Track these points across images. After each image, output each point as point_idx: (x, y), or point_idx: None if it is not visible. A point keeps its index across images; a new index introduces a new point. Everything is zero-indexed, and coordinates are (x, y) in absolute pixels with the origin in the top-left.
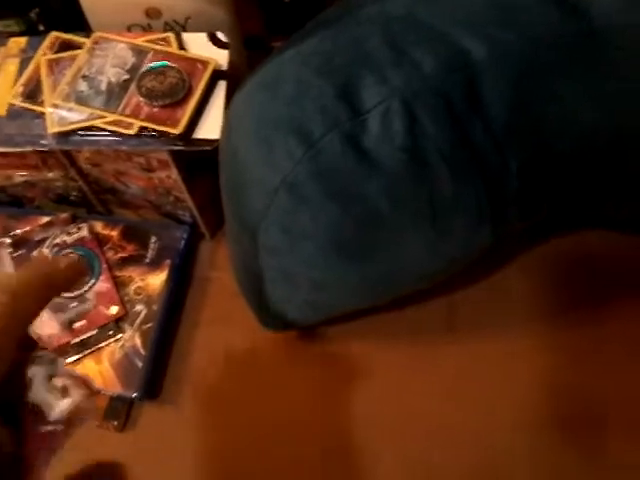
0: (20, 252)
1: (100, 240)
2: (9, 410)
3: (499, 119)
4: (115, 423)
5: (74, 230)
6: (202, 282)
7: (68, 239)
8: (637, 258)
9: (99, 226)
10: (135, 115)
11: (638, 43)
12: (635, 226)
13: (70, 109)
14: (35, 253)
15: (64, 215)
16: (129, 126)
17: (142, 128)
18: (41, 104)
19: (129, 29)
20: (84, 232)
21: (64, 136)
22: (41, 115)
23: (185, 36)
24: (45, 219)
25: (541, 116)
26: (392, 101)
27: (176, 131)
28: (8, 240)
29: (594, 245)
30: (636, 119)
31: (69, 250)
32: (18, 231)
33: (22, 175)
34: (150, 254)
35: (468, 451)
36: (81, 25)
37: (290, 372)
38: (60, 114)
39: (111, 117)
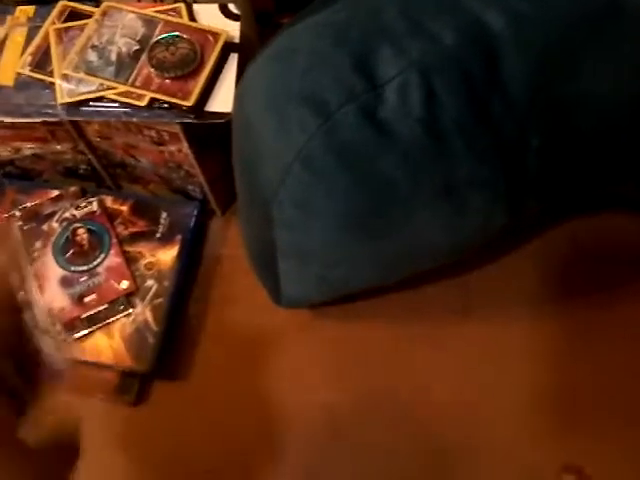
0: (29, 225)
1: (110, 215)
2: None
3: (519, 93)
4: (126, 397)
5: (84, 204)
6: (213, 259)
7: (77, 213)
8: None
9: (109, 201)
10: (146, 86)
11: None
12: None
13: (80, 80)
14: (45, 227)
15: (73, 189)
16: (140, 97)
17: (153, 100)
18: (50, 74)
19: None
20: (94, 206)
21: (74, 107)
22: (50, 85)
23: (196, 7)
24: (54, 193)
25: (562, 91)
26: (410, 73)
27: (188, 103)
28: (17, 213)
29: (609, 229)
30: None
31: (79, 224)
32: (27, 204)
33: (30, 148)
34: (161, 230)
35: (477, 429)
36: None
37: (300, 349)
38: (70, 84)
39: (122, 88)
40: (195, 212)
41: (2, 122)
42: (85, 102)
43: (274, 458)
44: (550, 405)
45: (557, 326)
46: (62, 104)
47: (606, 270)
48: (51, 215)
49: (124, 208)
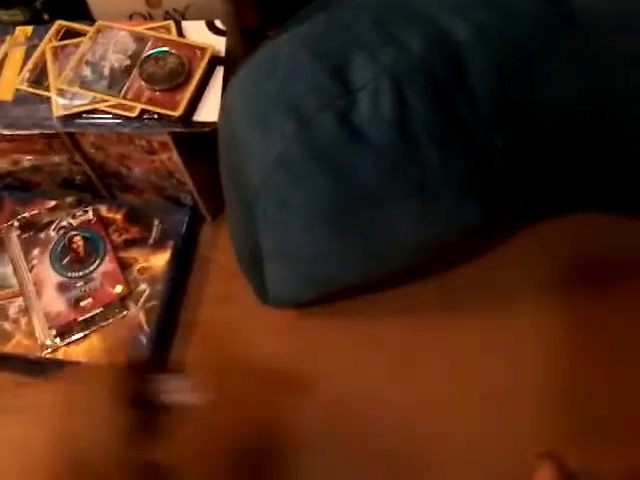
0: (28, 234)
1: (105, 223)
2: None
3: (484, 96)
4: None
5: (80, 213)
6: (204, 262)
7: (74, 222)
8: (629, 242)
9: (104, 209)
10: (137, 99)
11: (615, 23)
12: (633, 206)
13: (74, 93)
14: (42, 235)
15: (69, 199)
16: (131, 109)
17: (143, 111)
18: (47, 89)
19: (130, 17)
20: (89, 215)
21: (69, 119)
22: (47, 99)
23: (184, 24)
24: (51, 203)
25: (525, 94)
26: (382, 79)
27: (176, 113)
28: (16, 223)
29: (587, 228)
30: (618, 94)
31: (75, 232)
32: (26, 214)
33: (29, 159)
34: (153, 236)
35: (466, 425)
36: (84, 14)
37: (290, 349)
38: (65, 98)
39: (114, 100)
40: (186, 218)
41: (2, 135)
42: (80, 114)
43: (266, 457)
44: (550, 404)
45: (554, 323)
46: (58, 117)
47: (605, 267)
48: (48, 224)
49: (118, 216)
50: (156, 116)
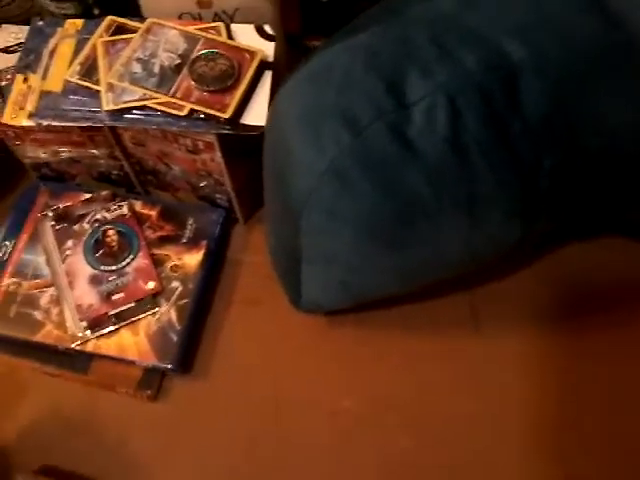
0: (62, 225)
1: (139, 219)
2: None
3: (536, 118)
4: (148, 392)
5: (114, 207)
6: (235, 264)
7: (108, 216)
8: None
9: (138, 205)
10: (186, 98)
11: None
12: None
13: (124, 89)
14: (76, 227)
15: (105, 193)
16: (180, 108)
17: (192, 111)
18: (96, 82)
19: (180, 17)
20: (124, 210)
21: (117, 114)
22: (96, 93)
23: (234, 27)
24: (86, 196)
25: (576, 118)
26: (437, 95)
27: (225, 115)
28: (50, 213)
29: (610, 255)
30: None
31: (109, 226)
32: (60, 205)
33: (68, 151)
34: (187, 235)
35: (481, 443)
36: (133, 11)
37: (316, 354)
38: (114, 93)
39: (163, 98)
40: (221, 219)
41: (50, 125)
42: (128, 110)
43: (290, 458)
44: (553, 419)
45: (561, 343)
46: (107, 111)
47: (610, 292)
48: (83, 216)
49: (153, 213)
50: (204, 116)
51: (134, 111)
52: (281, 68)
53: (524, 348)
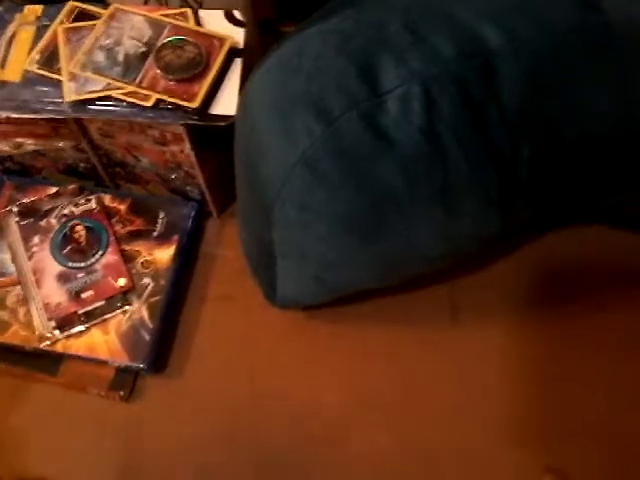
0: (27, 221)
1: (108, 213)
2: None
3: (513, 105)
4: (121, 393)
5: (82, 202)
6: (208, 259)
7: (76, 210)
8: (628, 258)
9: (107, 199)
10: (152, 87)
11: None
12: (636, 223)
13: (87, 78)
14: (43, 223)
15: (72, 186)
16: (146, 98)
17: (159, 101)
18: (57, 72)
19: (146, 3)
20: (92, 204)
21: (81, 104)
22: (57, 83)
23: (202, 13)
24: (53, 189)
25: (554, 106)
26: (412, 84)
27: (193, 105)
28: (15, 209)
29: (586, 243)
30: None
31: (77, 221)
32: (25, 200)
33: (32, 144)
34: (158, 229)
35: (463, 432)
36: None
37: (293, 349)
38: (77, 83)
39: (128, 88)
40: (193, 213)
41: (8, 117)
42: (91, 101)
43: (267, 458)
44: (534, 410)
45: (541, 332)
46: (69, 102)
47: (588, 280)
48: (49, 211)
49: (122, 207)
50: (171, 107)
51: (98, 102)
52: (253, 55)
53: (504, 339)
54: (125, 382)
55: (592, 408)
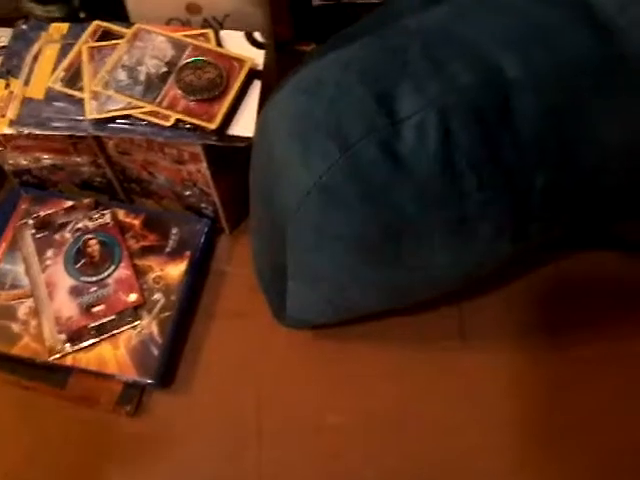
0: (42, 234)
1: (122, 227)
2: None
3: (528, 136)
4: (128, 408)
5: (97, 216)
6: (219, 276)
7: (90, 224)
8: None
9: (121, 214)
10: (172, 107)
11: None
12: None
13: (109, 97)
14: (57, 236)
15: (87, 200)
16: (166, 118)
17: (178, 121)
18: (80, 90)
19: (168, 23)
20: (107, 219)
21: (101, 123)
22: (79, 101)
23: (223, 33)
24: (68, 203)
25: (570, 137)
26: (428, 111)
27: (212, 126)
28: (31, 221)
29: (597, 267)
30: None
31: (91, 235)
32: (41, 213)
33: (50, 158)
34: (170, 245)
35: (465, 454)
36: (121, 15)
37: (301, 368)
38: (98, 101)
39: (148, 107)
40: (205, 229)
41: (30, 133)
42: (112, 119)
43: (273, 475)
44: (541, 432)
45: (549, 355)
46: (90, 119)
47: (595, 305)
48: (64, 225)
49: (136, 222)
50: (190, 127)
51: (118, 120)
52: (271, 75)
53: (512, 361)
54: (132, 397)
55: (600, 433)
